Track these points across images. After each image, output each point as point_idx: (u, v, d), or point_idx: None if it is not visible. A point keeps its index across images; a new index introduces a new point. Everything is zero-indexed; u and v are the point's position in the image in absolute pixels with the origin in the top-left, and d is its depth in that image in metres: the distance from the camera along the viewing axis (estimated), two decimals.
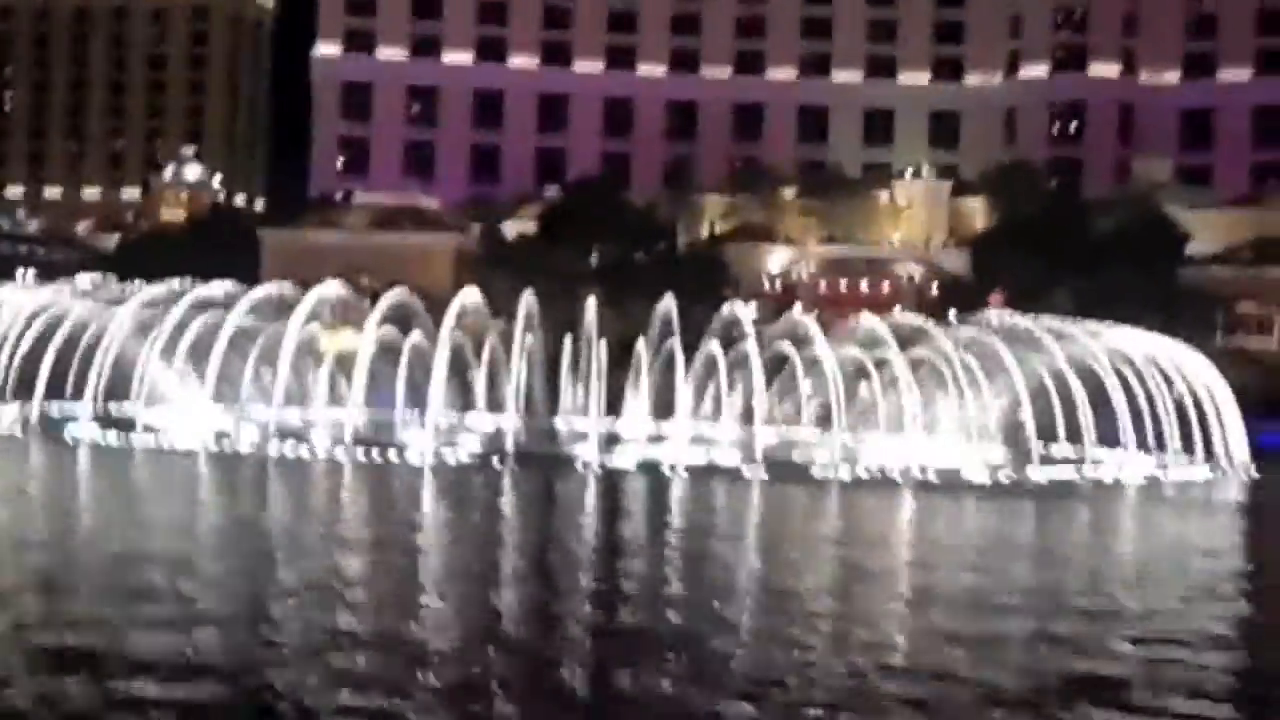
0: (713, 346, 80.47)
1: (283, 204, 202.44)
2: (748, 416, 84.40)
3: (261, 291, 76.26)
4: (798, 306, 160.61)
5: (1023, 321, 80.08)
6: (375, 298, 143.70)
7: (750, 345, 78.14)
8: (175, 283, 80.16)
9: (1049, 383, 74.44)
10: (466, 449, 67.05)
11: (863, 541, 46.13)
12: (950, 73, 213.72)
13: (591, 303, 79.10)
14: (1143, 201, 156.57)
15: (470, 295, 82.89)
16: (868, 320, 78.23)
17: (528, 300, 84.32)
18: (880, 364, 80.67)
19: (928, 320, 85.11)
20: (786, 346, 77.85)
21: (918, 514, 54.15)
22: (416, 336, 74.07)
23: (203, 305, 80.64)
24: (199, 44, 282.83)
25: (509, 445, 67.63)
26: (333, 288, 75.24)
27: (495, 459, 64.66)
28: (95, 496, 53.85)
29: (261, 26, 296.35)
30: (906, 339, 79.53)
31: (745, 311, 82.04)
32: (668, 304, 76.64)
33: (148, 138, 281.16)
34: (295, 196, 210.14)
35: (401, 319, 76.99)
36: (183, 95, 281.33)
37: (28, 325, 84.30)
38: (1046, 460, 68.36)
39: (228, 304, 79.01)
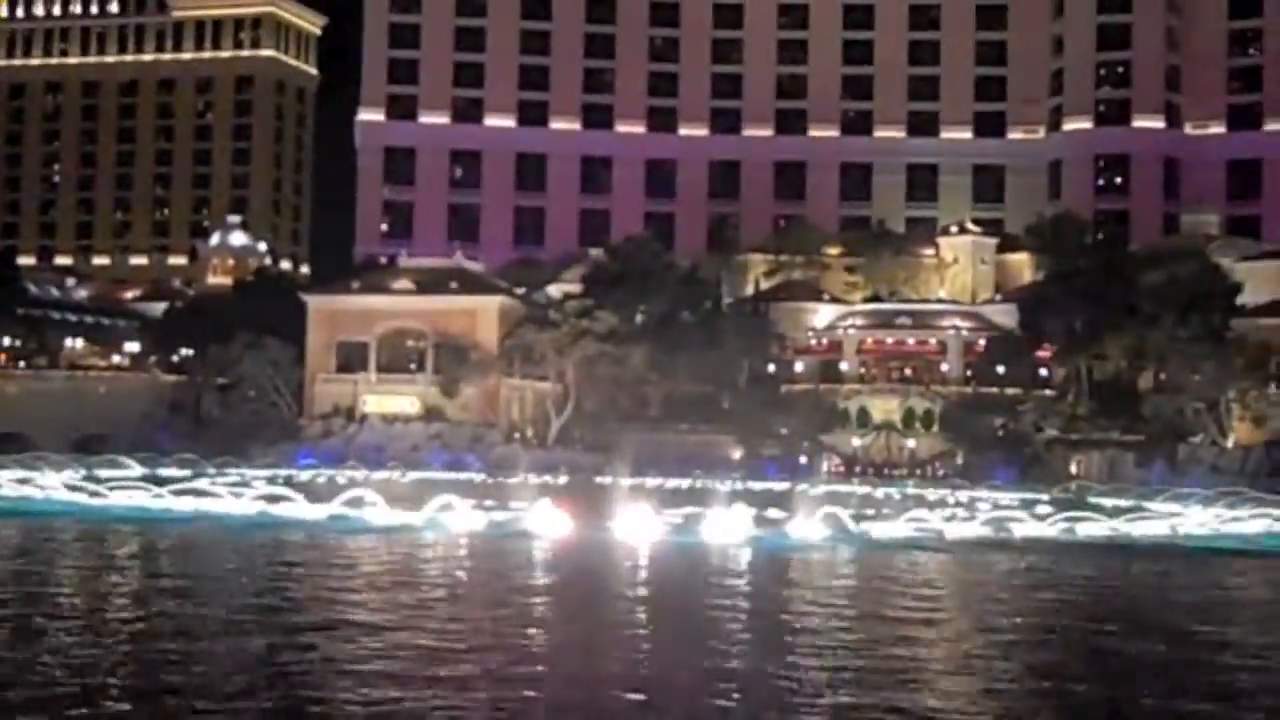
0: None
1: (328, 268, 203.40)
2: None
3: None
4: (844, 362, 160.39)
5: None
6: (422, 359, 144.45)
7: None
8: None
9: None
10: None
11: None
12: (993, 128, 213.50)
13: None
14: (1192, 253, 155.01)
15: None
16: None
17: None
18: None
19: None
20: None
21: None
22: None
23: None
24: (243, 113, 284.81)
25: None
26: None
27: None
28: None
29: (305, 94, 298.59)
30: None
31: None
32: None
33: (194, 206, 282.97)
34: (340, 260, 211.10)
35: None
36: (228, 163, 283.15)
37: None
38: None
39: None
